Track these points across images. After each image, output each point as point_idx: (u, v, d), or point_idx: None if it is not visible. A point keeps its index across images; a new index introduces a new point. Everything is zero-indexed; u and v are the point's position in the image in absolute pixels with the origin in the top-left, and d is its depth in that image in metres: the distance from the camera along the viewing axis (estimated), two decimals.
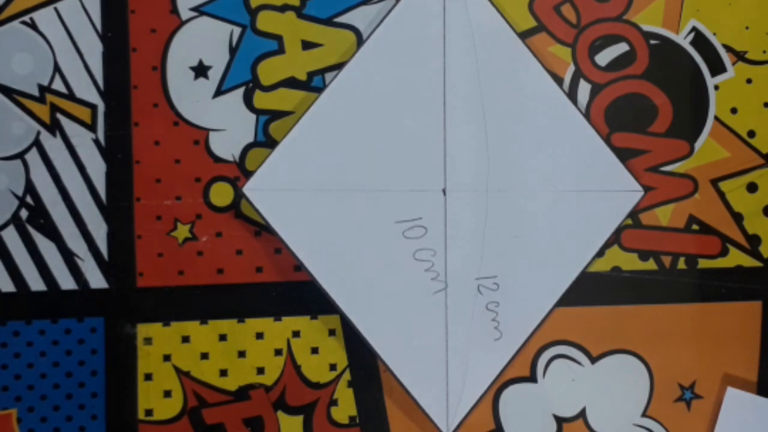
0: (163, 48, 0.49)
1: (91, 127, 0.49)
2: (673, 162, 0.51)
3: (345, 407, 0.49)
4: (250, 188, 0.48)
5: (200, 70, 0.49)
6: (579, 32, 0.51)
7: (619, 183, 0.50)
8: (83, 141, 0.49)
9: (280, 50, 0.50)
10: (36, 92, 0.49)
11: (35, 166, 0.49)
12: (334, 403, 0.49)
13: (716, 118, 0.51)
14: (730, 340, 0.50)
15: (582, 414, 0.50)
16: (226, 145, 0.49)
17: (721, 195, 0.51)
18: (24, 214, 0.48)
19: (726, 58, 0.51)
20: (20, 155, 0.49)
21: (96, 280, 0.49)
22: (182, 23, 0.49)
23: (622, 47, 0.51)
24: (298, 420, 0.49)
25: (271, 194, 0.48)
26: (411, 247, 0.49)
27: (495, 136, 0.49)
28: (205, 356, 0.49)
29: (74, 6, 0.49)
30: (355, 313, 0.48)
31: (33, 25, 0.49)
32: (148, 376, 0.48)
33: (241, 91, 0.50)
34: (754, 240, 0.51)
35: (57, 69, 0.49)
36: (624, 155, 0.50)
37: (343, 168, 0.49)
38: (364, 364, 0.49)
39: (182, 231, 0.49)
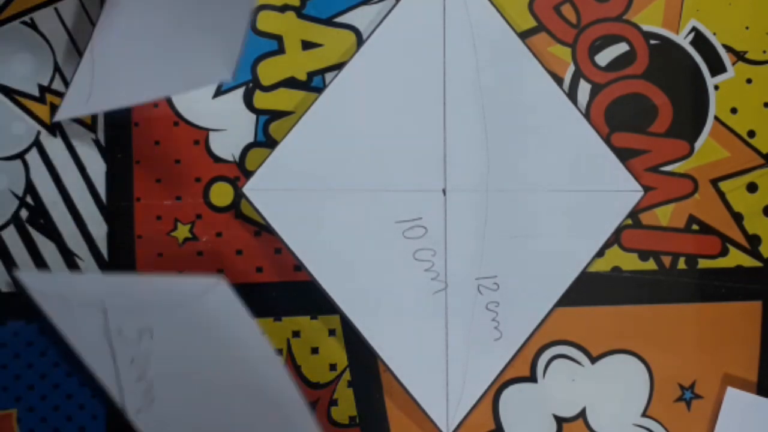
0: None
1: (91, 127, 0.49)
2: (673, 162, 0.51)
3: (345, 407, 0.49)
4: (250, 188, 0.48)
5: None
6: (579, 32, 0.51)
7: (619, 183, 0.50)
8: (83, 141, 0.49)
9: (280, 50, 0.50)
10: (36, 92, 0.49)
11: (35, 166, 0.49)
12: (334, 403, 0.49)
13: (716, 118, 0.51)
14: (730, 340, 0.50)
15: (582, 414, 0.50)
16: (226, 145, 0.49)
17: (721, 195, 0.51)
18: (24, 214, 0.48)
19: (726, 58, 0.51)
20: (20, 155, 0.49)
21: None
22: None
23: (622, 47, 0.51)
24: None
25: (271, 194, 0.48)
26: (411, 247, 0.49)
27: (495, 136, 0.49)
28: None
29: (74, 6, 0.49)
30: (355, 313, 0.48)
31: (33, 25, 0.49)
32: None
33: (241, 91, 0.50)
34: (754, 240, 0.51)
35: (57, 69, 0.49)
36: (624, 155, 0.50)
37: (343, 168, 0.49)
38: (364, 364, 0.49)
39: (182, 231, 0.49)
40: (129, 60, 0.46)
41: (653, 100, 0.51)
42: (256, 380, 0.46)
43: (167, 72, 0.45)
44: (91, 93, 0.45)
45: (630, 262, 0.50)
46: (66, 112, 0.46)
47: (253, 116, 0.50)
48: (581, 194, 0.50)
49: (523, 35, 0.50)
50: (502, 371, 0.49)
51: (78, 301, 0.45)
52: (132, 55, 0.46)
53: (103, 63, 0.46)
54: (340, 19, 0.50)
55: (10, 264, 0.48)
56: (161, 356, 0.45)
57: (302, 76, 0.50)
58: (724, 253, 0.51)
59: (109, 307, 0.45)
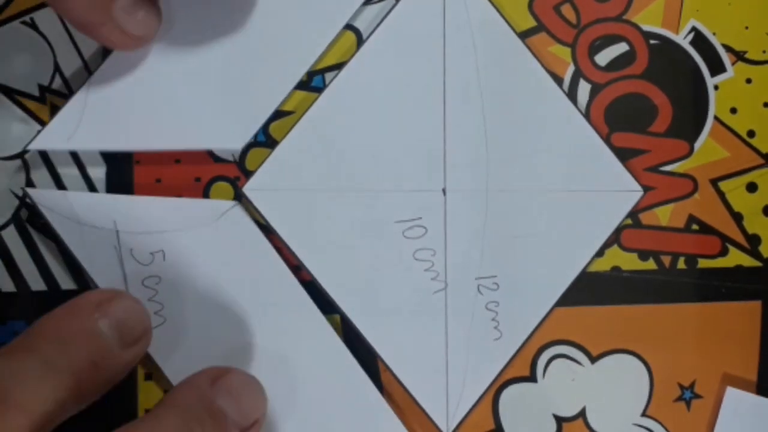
0: None
1: None
2: (673, 162, 0.51)
3: None
4: (250, 188, 0.48)
5: None
6: (579, 32, 0.51)
7: (618, 183, 0.50)
8: None
9: None
10: (36, 92, 0.49)
11: (35, 166, 0.49)
12: None
13: (716, 117, 0.51)
14: (729, 340, 0.50)
15: (582, 414, 0.50)
16: None
17: (721, 195, 0.51)
18: (24, 214, 0.48)
19: (726, 58, 0.51)
20: (20, 155, 0.49)
21: None
22: None
23: (621, 47, 0.51)
24: None
25: (272, 194, 0.48)
26: (411, 247, 0.49)
27: (495, 136, 0.49)
28: None
29: None
30: (355, 313, 0.48)
31: (33, 25, 0.49)
32: (148, 376, 0.48)
33: None
34: (754, 240, 0.51)
35: (57, 69, 0.49)
36: (623, 155, 0.50)
37: (343, 168, 0.49)
38: (364, 364, 0.49)
39: None
40: (128, 106, 0.47)
41: (653, 100, 0.51)
42: (271, 302, 0.47)
43: (169, 126, 0.46)
44: (77, 130, 0.46)
45: (630, 262, 0.50)
46: (43, 143, 0.47)
47: None
48: (581, 194, 0.50)
49: (523, 35, 0.50)
50: (502, 371, 0.49)
51: (89, 220, 0.46)
52: (134, 103, 0.47)
53: (97, 103, 0.47)
54: None
55: (11, 264, 0.48)
56: (173, 278, 0.47)
57: (302, 76, 0.49)
58: (723, 252, 0.51)
59: (120, 228, 0.46)
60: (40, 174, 0.49)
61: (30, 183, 0.49)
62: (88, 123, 0.46)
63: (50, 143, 0.47)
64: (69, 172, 0.49)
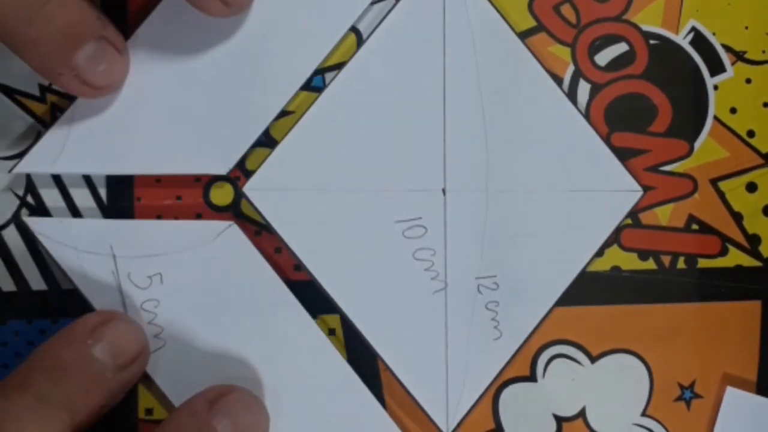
0: None
1: None
2: (673, 162, 0.51)
3: None
4: (250, 188, 0.48)
5: None
6: (579, 32, 0.51)
7: (618, 183, 0.50)
8: None
9: None
10: (36, 92, 0.49)
11: None
12: None
13: (716, 117, 0.51)
14: (729, 340, 0.50)
15: (582, 413, 0.50)
16: None
17: (721, 195, 0.51)
18: (25, 213, 0.48)
19: (725, 58, 0.51)
20: (21, 155, 0.49)
21: None
22: None
23: (621, 47, 0.51)
24: None
25: (272, 194, 0.48)
26: (411, 247, 0.49)
27: (495, 136, 0.49)
28: None
29: None
30: (355, 313, 0.48)
31: None
32: (148, 375, 0.48)
33: None
34: (754, 239, 0.51)
35: None
36: (623, 155, 0.50)
37: (343, 168, 0.49)
38: (364, 364, 0.49)
39: None
40: (114, 129, 0.47)
41: (653, 99, 0.51)
42: (270, 320, 0.47)
43: (153, 150, 0.47)
44: (62, 153, 0.46)
45: (629, 262, 0.50)
46: (28, 166, 0.47)
47: None
48: (581, 194, 0.50)
49: (523, 35, 0.50)
50: (502, 371, 0.49)
51: (86, 246, 0.46)
52: (117, 124, 0.47)
53: (82, 126, 0.47)
54: None
55: (11, 264, 0.48)
56: (171, 300, 0.47)
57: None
58: (723, 252, 0.51)
59: (117, 253, 0.46)
60: (40, 173, 0.49)
61: (30, 183, 0.49)
62: (72, 147, 0.47)
63: (35, 167, 0.47)
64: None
